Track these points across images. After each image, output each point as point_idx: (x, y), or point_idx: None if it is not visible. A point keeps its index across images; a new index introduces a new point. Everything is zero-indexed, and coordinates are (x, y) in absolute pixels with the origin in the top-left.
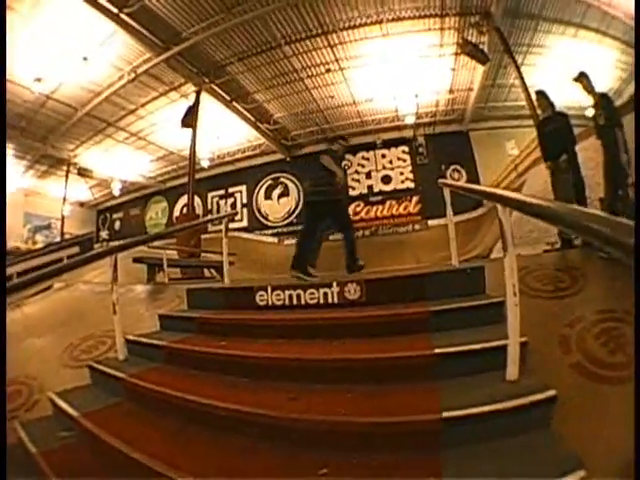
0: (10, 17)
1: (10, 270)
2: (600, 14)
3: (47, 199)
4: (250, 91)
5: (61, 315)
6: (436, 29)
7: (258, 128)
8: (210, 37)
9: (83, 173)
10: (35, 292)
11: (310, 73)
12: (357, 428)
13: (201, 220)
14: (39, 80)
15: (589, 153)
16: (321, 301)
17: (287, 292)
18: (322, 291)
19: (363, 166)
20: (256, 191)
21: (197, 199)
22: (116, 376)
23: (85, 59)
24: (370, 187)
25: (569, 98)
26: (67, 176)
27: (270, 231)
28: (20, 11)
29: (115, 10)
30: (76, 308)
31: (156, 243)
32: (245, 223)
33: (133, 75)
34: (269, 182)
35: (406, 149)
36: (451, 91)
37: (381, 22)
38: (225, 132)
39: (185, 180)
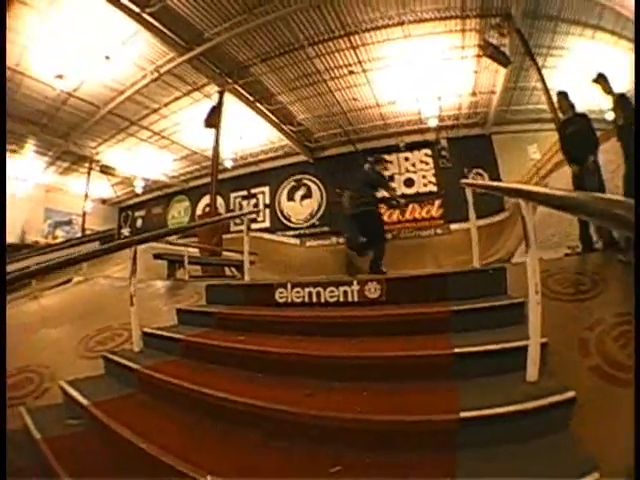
0: (26, 13)
1: (27, 263)
2: (614, 15)
3: (68, 195)
4: (273, 92)
5: (79, 307)
6: (457, 31)
7: (281, 129)
8: (233, 38)
9: (105, 171)
10: (54, 285)
11: (333, 75)
12: (372, 426)
13: (224, 216)
14: (60, 77)
15: (609, 156)
16: (341, 299)
17: (307, 289)
18: (342, 289)
19: (386, 169)
20: (279, 192)
21: (220, 199)
22: (130, 367)
23: (107, 58)
24: (393, 190)
25: (590, 101)
26: (89, 173)
27: (292, 232)
28: (37, 7)
29: (137, 9)
30: (95, 301)
31: (178, 240)
32: (267, 224)
33: (156, 75)
34: (292, 184)
35: (429, 152)
36: (474, 94)
37: (403, 24)
38: (248, 133)
39: (208, 180)
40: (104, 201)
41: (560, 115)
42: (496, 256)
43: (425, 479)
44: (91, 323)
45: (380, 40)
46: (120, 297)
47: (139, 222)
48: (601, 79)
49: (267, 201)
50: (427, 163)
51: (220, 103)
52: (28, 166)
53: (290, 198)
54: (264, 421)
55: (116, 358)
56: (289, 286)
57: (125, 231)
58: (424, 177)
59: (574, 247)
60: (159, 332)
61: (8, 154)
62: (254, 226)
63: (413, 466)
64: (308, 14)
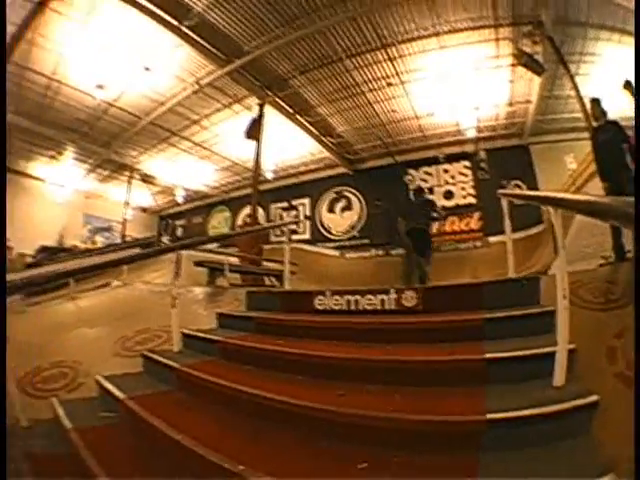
0: (61, 22)
1: (65, 265)
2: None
3: (108, 202)
4: (313, 104)
5: (117, 310)
6: (491, 40)
7: (321, 141)
8: (271, 51)
9: (146, 179)
10: (92, 287)
11: (372, 87)
12: (400, 425)
13: (265, 225)
14: (101, 87)
15: None
16: (378, 307)
17: (345, 297)
18: (379, 297)
19: (426, 181)
20: (319, 204)
21: (260, 210)
22: (169, 365)
23: (147, 69)
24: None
25: (623, 108)
26: (130, 181)
27: (332, 244)
28: (72, 16)
29: (175, 23)
30: (133, 304)
31: (219, 249)
32: (308, 235)
33: (197, 86)
34: (332, 195)
35: (468, 164)
36: (510, 104)
37: (438, 34)
38: (289, 145)
39: (248, 191)
40: (144, 209)
41: (593, 123)
42: (533, 269)
43: (448, 479)
44: (129, 324)
45: (416, 51)
46: (159, 302)
47: (179, 231)
48: (629, 85)
49: (308, 213)
50: (466, 175)
51: (260, 115)
52: (67, 172)
53: (330, 210)
54: (296, 419)
55: (155, 356)
56: (328, 294)
57: (165, 239)
58: (463, 189)
59: (607, 257)
60: (198, 334)
61: (47, 160)
62: (294, 237)
63: (438, 466)
64: (345, 26)
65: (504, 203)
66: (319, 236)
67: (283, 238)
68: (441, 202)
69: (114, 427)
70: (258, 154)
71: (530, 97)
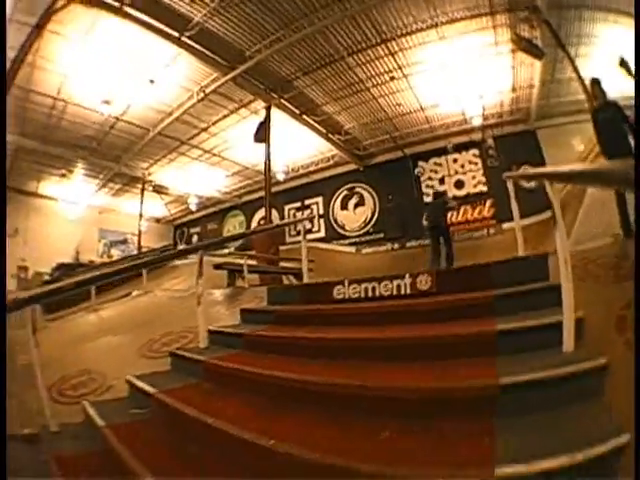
0: (59, 42)
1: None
2: None
3: (121, 215)
4: (319, 103)
5: (139, 317)
6: (489, 27)
7: (330, 139)
8: (273, 54)
9: (159, 190)
10: (114, 298)
11: (375, 82)
12: (417, 394)
13: (280, 223)
14: (107, 102)
15: None
16: (394, 292)
17: (363, 285)
18: (395, 283)
19: (436, 172)
20: (332, 202)
21: (274, 212)
22: (197, 359)
23: (152, 81)
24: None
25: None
26: (142, 193)
27: (347, 241)
28: (70, 37)
29: (176, 34)
30: (154, 311)
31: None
32: (322, 234)
33: (202, 94)
34: (344, 192)
35: (476, 152)
36: (513, 89)
37: (436, 25)
38: (298, 145)
39: (261, 194)
40: (158, 220)
41: (594, 103)
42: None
43: (466, 443)
44: (153, 329)
45: (416, 44)
46: (180, 305)
47: (194, 238)
48: (624, 63)
49: (321, 211)
50: (476, 163)
51: (267, 118)
52: (79, 189)
53: (343, 207)
54: (319, 396)
55: (183, 353)
56: (346, 283)
57: (181, 247)
58: (474, 178)
59: (617, 235)
60: (224, 329)
61: (57, 179)
62: (310, 236)
63: (455, 431)
64: (344, 25)
65: (510, 186)
66: (334, 234)
67: (299, 238)
68: (452, 192)
69: (146, 422)
70: (268, 156)
71: (533, 82)
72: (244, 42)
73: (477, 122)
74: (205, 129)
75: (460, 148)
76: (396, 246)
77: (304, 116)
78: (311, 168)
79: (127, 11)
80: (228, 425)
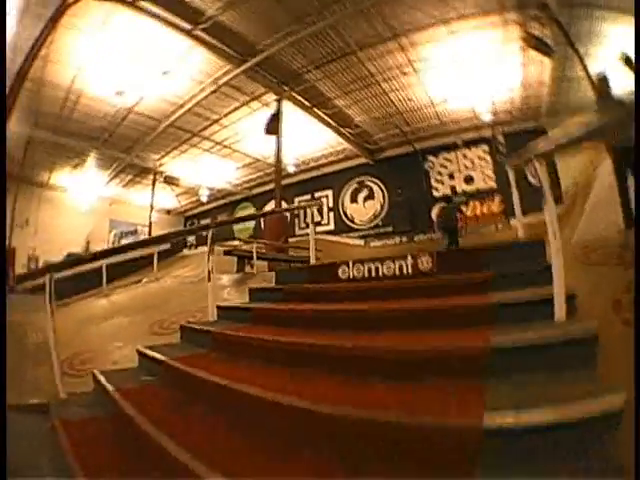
0: (74, 36)
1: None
2: None
3: (132, 207)
4: (330, 97)
5: (150, 300)
6: (499, 24)
7: (340, 133)
8: (285, 48)
9: (170, 181)
10: (125, 284)
11: (386, 77)
12: (413, 355)
13: (290, 206)
14: (120, 93)
15: None
16: (397, 273)
17: (367, 265)
18: (398, 263)
19: (445, 167)
20: (342, 195)
21: (284, 204)
22: (206, 329)
23: (165, 73)
24: (453, 188)
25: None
26: (154, 184)
27: (356, 234)
28: (85, 30)
29: (189, 27)
30: (164, 295)
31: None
32: (332, 226)
33: (214, 87)
34: (354, 186)
35: (486, 148)
36: (524, 87)
37: (446, 22)
38: (309, 138)
39: (272, 186)
40: (169, 211)
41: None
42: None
43: (458, 397)
44: (164, 310)
45: (427, 40)
46: (190, 290)
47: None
48: (628, 60)
49: (331, 204)
50: (485, 159)
51: (279, 110)
52: (90, 180)
53: (353, 200)
54: (320, 356)
55: (192, 325)
56: (351, 264)
57: (191, 238)
58: (483, 173)
59: (619, 228)
60: (232, 305)
61: (70, 169)
62: (319, 229)
63: (449, 388)
64: (355, 20)
65: (510, 172)
66: (343, 226)
67: (308, 230)
68: (462, 187)
69: (156, 386)
70: (279, 149)
71: (543, 79)
72: (256, 35)
73: (487, 118)
74: (216, 121)
75: (470, 144)
76: (404, 239)
77: (315, 109)
78: (321, 161)
79: (140, 4)
80: (237, 384)
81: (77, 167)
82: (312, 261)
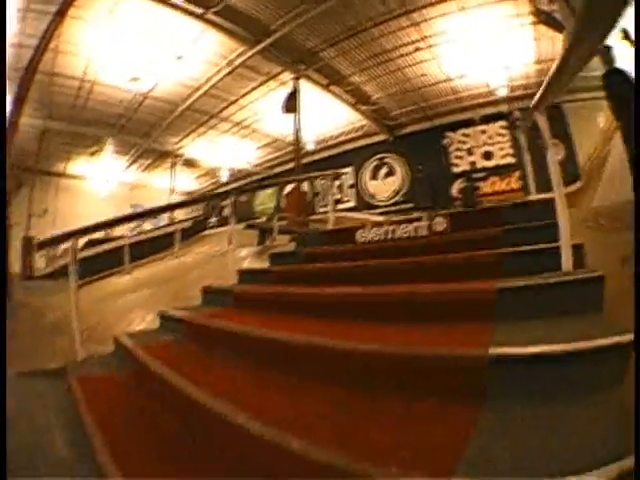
0: (82, 27)
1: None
2: None
3: (152, 191)
4: (346, 74)
5: (171, 274)
6: None
7: (359, 109)
8: (298, 27)
9: (189, 164)
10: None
11: (400, 52)
12: (424, 297)
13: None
14: (135, 80)
15: None
16: (412, 234)
17: (383, 228)
18: (413, 225)
19: (464, 143)
20: (362, 172)
21: (305, 184)
22: (227, 289)
23: (179, 57)
24: (473, 163)
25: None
26: (173, 168)
27: (378, 210)
28: (92, 21)
29: (199, 11)
30: (186, 270)
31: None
32: (353, 203)
33: (230, 68)
34: (375, 163)
35: (504, 124)
36: (538, 62)
37: None
38: (328, 116)
39: (291, 165)
40: (189, 193)
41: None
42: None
43: (467, 333)
44: (185, 280)
45: (438, 15)
46: (211, 262)
47: (226, 211)
48: (626, 33)
49: (351, 181)
50: (503, 135)
51: (296, 89)
52: (109, 167)
53: (373, 177)
54: (340, 305)
55: (213, 287)
56: (368, 227)
57: (213, 220)
58: (502, 149)
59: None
60: (252, 268)
61: (88, 157)
62: (340, 206)
63: (459, 330)
64: None
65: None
66: (364, 204)
67: (328, 208)
68: (481, 163)
69: (177, 342)
70: (298, 127)
71: (556, 54)
72: (268, 16)
73: (502, 93)
74: (234, 102)
75: (488, 119)
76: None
77: (332, 86)
78: (341, 138)
79: None
80: (257, 330)
81: (95, 154)
82: (330, 225)
